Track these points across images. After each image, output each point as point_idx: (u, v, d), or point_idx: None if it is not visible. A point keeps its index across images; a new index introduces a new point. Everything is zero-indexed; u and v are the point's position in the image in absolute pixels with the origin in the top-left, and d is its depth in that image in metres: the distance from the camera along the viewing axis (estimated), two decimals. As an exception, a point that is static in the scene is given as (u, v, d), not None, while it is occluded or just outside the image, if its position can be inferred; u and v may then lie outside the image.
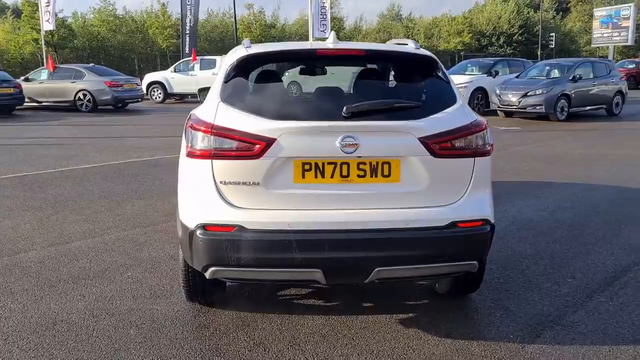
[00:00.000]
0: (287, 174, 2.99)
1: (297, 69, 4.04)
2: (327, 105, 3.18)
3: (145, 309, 3.64)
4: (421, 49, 3.54)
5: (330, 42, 3.58)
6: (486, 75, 17.85)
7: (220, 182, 3.03)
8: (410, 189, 3.04)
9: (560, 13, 64.52)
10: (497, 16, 51.05)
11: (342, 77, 5.10)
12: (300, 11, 50.66)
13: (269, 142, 2.95)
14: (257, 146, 2.96)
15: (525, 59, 23.29)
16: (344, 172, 3.00)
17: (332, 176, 3.00)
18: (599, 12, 39.59)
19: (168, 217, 5.77)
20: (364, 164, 2.99)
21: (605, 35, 38.62)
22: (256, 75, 3.34)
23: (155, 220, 5.75)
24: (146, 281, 4.10)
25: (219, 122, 3.03)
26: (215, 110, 3.10)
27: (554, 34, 49.79)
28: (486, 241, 3.13)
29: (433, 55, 3.40)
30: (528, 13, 53.66)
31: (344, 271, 3.07)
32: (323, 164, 2.99)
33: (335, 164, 2.99)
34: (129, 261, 4.52)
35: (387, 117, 3.06)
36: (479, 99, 17.34)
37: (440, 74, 3.34)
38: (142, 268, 4.36)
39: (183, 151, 3.25)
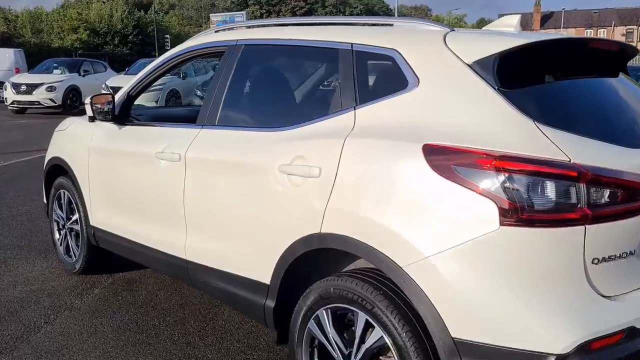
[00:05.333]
0: None
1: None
2: (627, 122, 2.21)
3: None
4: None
5: (517, 30, 2.52)
6: (77, 74, 18.54)
7: (592, 262, 1.77)
8: None
9: (162, 14, 66.39)
10: (109, 14, 48.98)
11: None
12: None
13: None
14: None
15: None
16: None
17: None
18: (215, 18, 42.28)
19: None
20: None
21: (223, 39, 41.71)
22: (545, 78, 2.08)
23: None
24: None
25: (585, 159, 1.76)
26: (532, 136, 1.82)
27: (168, 36, 50.75)
28: None
29: None
30: (139, 12, 53.34)
31: None
32: None
33: None
34: None
35: None
36: (72, 99, 17.72)
37: None
38: None
39: (460, 226, 1.80)
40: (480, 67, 1.99)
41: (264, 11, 78.92)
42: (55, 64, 19.42)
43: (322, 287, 2.23)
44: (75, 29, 44.95)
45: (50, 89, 17.07)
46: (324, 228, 2.18)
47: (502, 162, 1.77)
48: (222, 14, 44.88)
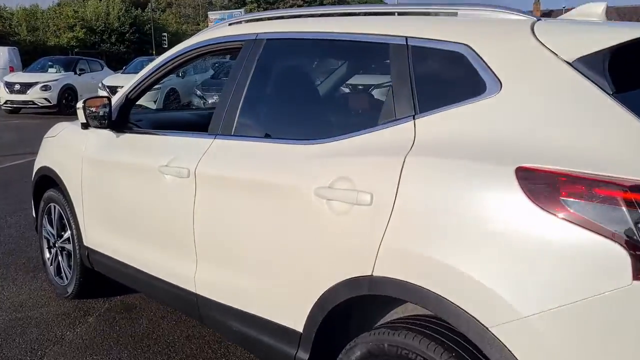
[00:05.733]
0: None
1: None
2: None
3: None
4: None
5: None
6: (72, 73, 17.86)
7: None
8: None
9: (159, 12, 65.79)
10: (106, 12, 48.38)
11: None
12: None
13: None
14: None
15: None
16: None
17: None
18: (213, 15, 41.77)
19: None
20: None
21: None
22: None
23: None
24: None
25: None
26: None
27: (166, 34, 50.12)
28: None
29: None
30: (136, 10, 52.77)
31: None
32: None
33: None
34: None
35: None
36: (68, 98, 16.90)
37: None
38: None
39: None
40: (587, 65, 1.53)
41: (262, 9, 78.45)
42: (50, 63, 18.88)
43: (372, 342, 1.78)
44: (71, 27, 44.33)
45: (45, 88, 16.53)
46: (377, 270, 1.73)
47: (636, 195, 1.31)
48: (220, 11, 44.45)
